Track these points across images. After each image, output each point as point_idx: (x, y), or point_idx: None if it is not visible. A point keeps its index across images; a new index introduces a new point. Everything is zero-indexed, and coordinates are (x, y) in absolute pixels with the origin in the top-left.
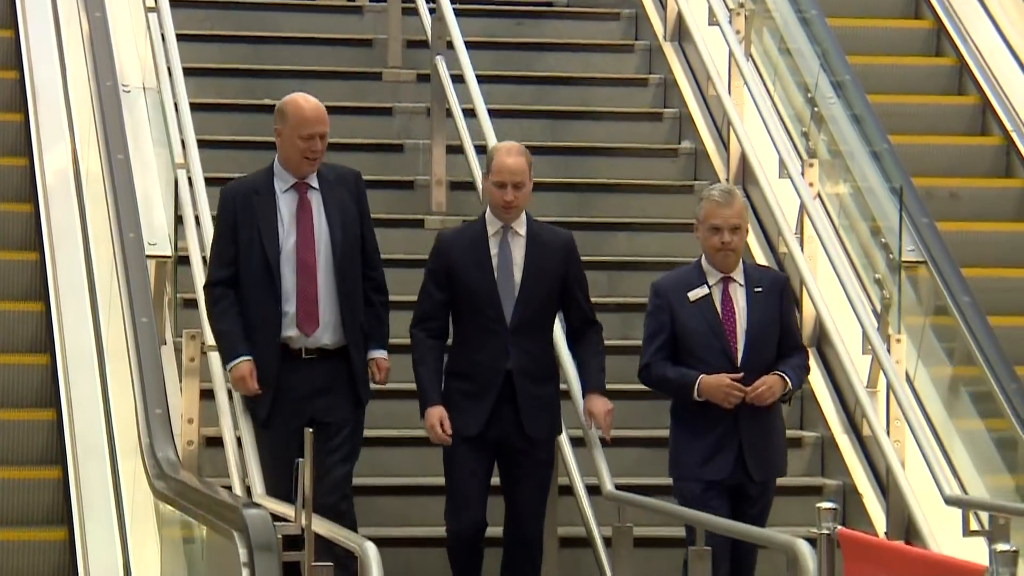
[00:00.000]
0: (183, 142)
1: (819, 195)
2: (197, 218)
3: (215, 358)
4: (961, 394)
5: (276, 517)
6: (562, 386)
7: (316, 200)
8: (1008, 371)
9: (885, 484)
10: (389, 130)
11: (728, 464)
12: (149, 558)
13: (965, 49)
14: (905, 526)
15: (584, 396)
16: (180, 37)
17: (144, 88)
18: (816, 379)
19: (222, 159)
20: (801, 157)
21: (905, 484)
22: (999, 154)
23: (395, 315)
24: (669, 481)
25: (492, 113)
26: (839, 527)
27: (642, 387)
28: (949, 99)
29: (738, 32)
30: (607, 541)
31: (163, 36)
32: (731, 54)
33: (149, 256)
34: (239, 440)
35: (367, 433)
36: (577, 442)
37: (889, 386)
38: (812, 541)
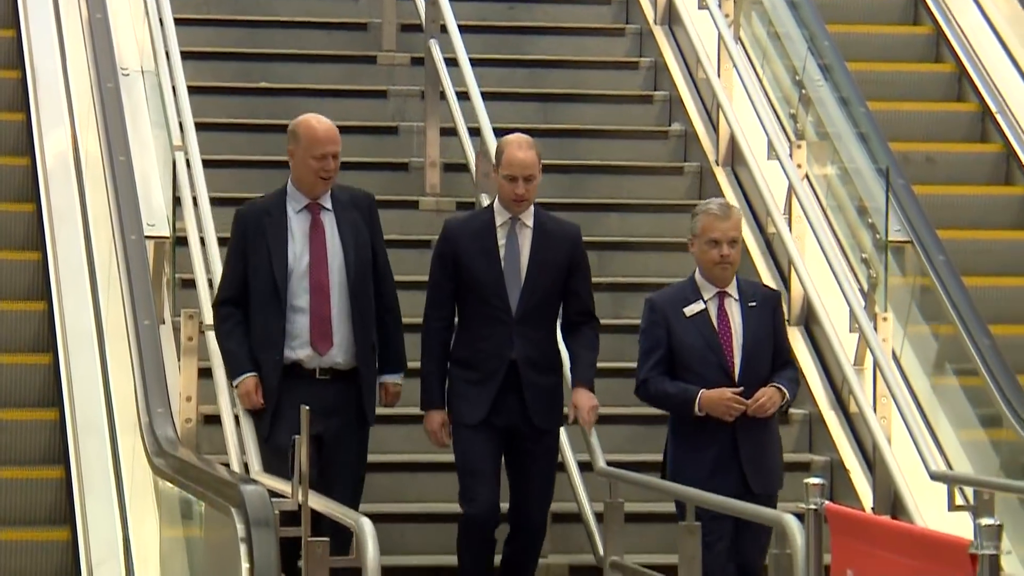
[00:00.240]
0: (181, 125)
1: (807, 176)
2: (195, 199)
3: (213, 338)
4: (946, 371)
5: (273, 493)
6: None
7: (329, 221)
8: (991, 346)
9: (872, 460)
10: (384, 113)
11: (730, 484)
12: (148, 534)
13: (964, 55)
14: (891, 501)
15: (572, 387)
16: (178, 21)
17: (142, 71)
18: (804, 357)
19: (219, 141)
20: (789, 139)
21: (891, 460)
22: (999, 161)
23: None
24: (660, 457)
25: (485, 96)
26: (827, 502)
27: (634, 364)
28: (950, 105)
29: (727, 16)
30: (599, 517)
31: (161, 20)
32: (720, 37)
33: (148, 237)
34: (237, 418)
35: None
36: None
37: (875, 364)
38: (800, 516)
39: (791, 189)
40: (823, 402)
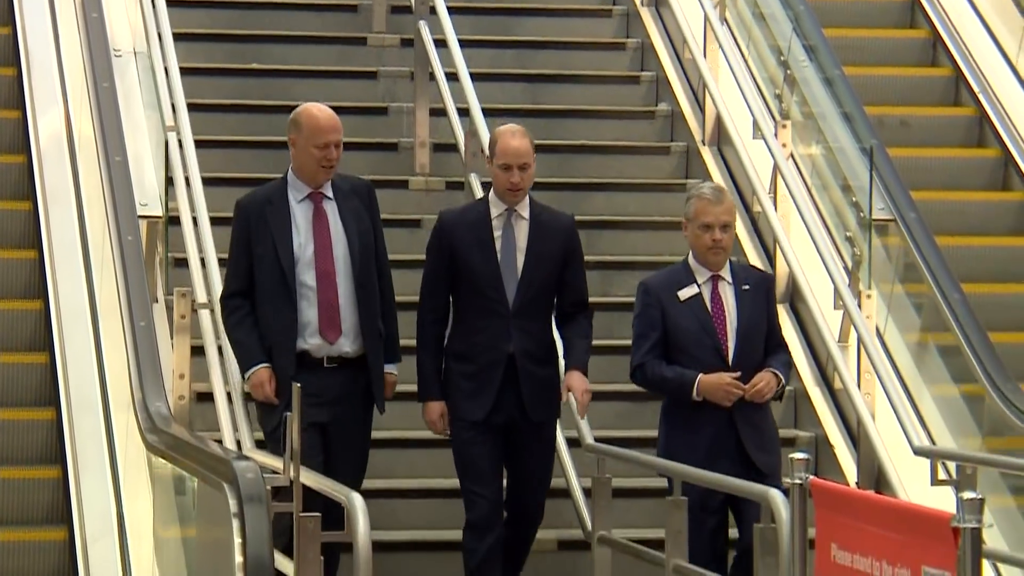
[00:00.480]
0: (173, 105)
1: (792, 156)
2: (187, 179)
3: (205, 315)
4: (929, 347)
5: (266, 470)
6: None
7: (331, 209)
8: (974, 324)
9: (856, 435)
10: (374, 93)
11: (728, 467)
12: (142, 509)
13: (961, 59)
14: (875, 476)
15: (566, 371)
16: (170, 3)
17: (135, 53)
18: (789, 334)
19: (211, 122)
20: (774, 119)
21: (875, 435)
22: (997, 166)
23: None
24: (647, 433)
25: (474, 77)
26: (811, 477)
27: (621, 342)
28: (947, 109)
29: None
30: (587, 492)
31: (153, 2)
32: (706, 19)
33: (140, 216)
34: (229, 395)
35: None
36: None
37: (860, 340)
38: (785, 491)
39: (776, 168)
40: (808, 378)
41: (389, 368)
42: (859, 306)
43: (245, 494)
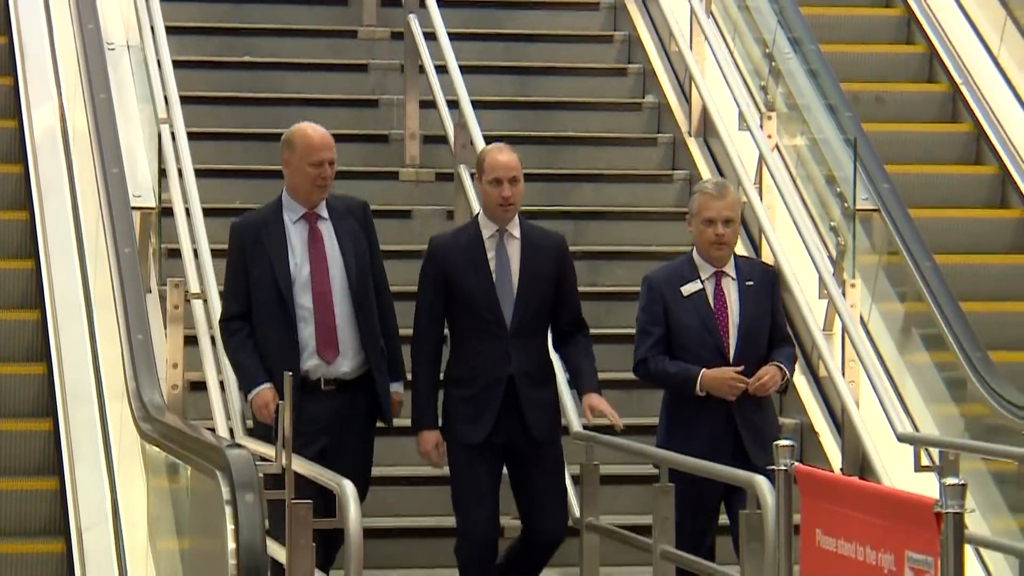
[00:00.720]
0: (166, 98)
1: (777, 147)
2: (180, 171)
3: (198, 306)
4: (912, 335)
5: (258, 457)
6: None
7: (327, 230)
8: (957, 313)
9: (840, 422)
10: (364, 86)
11: (725, 462)
12: (136, 498)
13: (959, 76)
14: (859, 462)
15: (583, 395)
16: None
17: (128, 46)
18: None
19: (203, 114)
20: (760, 110)
21: (859, 422)
22: (994, 183)
23: None
24: (635, 420)
25: (463, 69)
26: (796, 464)
27: (610, 331)
28: (943, 126)
29: None
30: (575, 479)
31: None
32: (692, 11)
33: (134, 208)
34: (222, 384)
35: None
36: None
37: (844, 329)
38: (771, 477)
39: (761, 159)
40: None
41: (393, 387)
42: (843, 295)
43: (238, 481)
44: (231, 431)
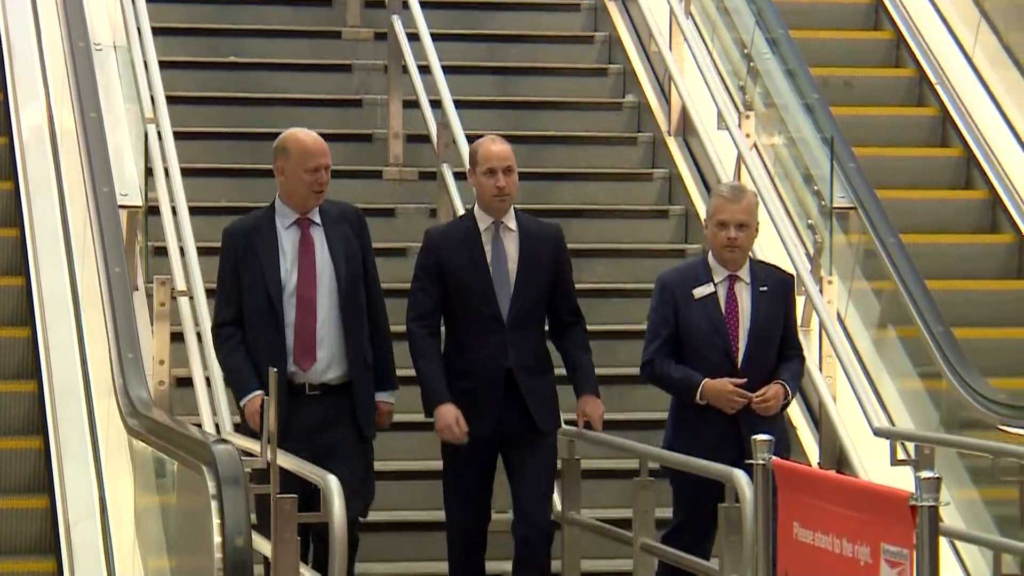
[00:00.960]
0: (152, 98)
1: (755, 146)
2: (166, 170)
3: (184, 303)
4: (889, 332)
5: (244, 452)
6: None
7: (319, 236)
8: (933, 311)
9: (818, 417)
10: (348, 86)
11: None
12: (123, 493)
13: (948, 98)
14: (837, 456)
15: (580, 396)
16: None
17: (115, 47)
18: None
19: (189, 114)
20: (738, 110)
21: (836, 417)
22: (985, 208)
23: None
24: (618, 416)
25: (446, 69)
26: (774, 458)
27: (591, 327)
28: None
29: None
30: (557, 474)
31: None
32: (672, 12)
33: (121, 206)
34: (208, 380)
35: None
36: None
37: (821, 325)
38: (749, 471)
39: (740, 158)
40: None
41: (384, 396)
42: (820, 292)
43: (223, 476)
44: (217, 427)
